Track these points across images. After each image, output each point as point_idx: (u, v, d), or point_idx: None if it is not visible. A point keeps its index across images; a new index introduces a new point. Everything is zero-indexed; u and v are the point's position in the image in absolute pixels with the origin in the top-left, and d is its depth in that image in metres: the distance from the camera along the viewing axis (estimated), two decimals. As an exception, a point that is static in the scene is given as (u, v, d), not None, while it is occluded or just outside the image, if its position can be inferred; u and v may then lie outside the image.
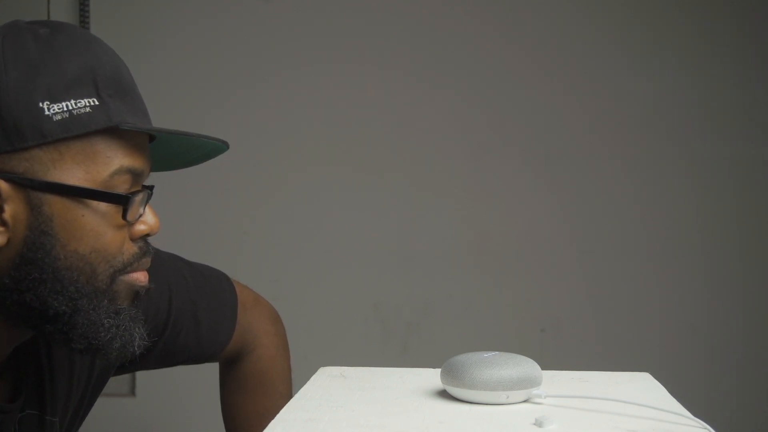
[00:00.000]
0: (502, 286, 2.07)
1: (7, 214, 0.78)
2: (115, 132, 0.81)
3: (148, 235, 0.86)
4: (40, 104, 0.77)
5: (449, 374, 0.87)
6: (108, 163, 0.80)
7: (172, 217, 1.95)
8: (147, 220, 0.85)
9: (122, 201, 0.81)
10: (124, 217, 0.81)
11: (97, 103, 0.79)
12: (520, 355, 0.88)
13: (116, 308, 0.83)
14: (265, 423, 0.79)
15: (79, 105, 0.79)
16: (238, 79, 2.05)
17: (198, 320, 1.10)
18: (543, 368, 0.88)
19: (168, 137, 0.86)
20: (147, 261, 0.86)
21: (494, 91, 2.05)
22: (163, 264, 1.06)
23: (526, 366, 0.86)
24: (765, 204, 2.06)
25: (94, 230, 0.80)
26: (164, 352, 1.08)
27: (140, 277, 0.85)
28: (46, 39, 0.80)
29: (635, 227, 2.06)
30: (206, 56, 2.05)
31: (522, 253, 2.07)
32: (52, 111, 0.78)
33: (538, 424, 0.78)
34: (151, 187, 0.87)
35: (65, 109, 0.78)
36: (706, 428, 0.78)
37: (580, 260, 2.07)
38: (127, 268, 0.83)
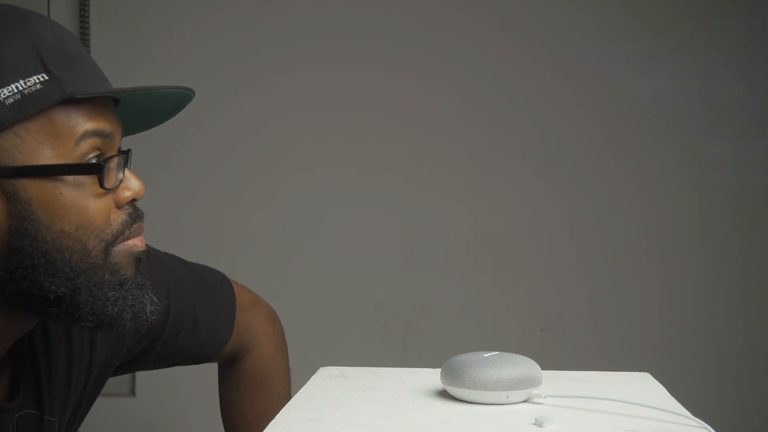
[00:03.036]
0: (502, 286, 2.07)
1: None
2: (71, 102, 0.79)
3: (134, 200, 0.84)
4: None
5: (449, 374, 0.86)
6: (71, 133, 0.78)
7: (173, 217, 1.96)
8: (129, 184, 0.83)
9: (95, 170, 0.79)
10: (101, 185, 0.79)
11: (46, 77, 0.77)
12: (520, 355, 0.88)
13: (120, 279, 0.82)
14: (264, 423, 0.79)
15: (29, 84, 0.76)
16: (238, 79, 2.05)
17: (197, 320, 1.10)
18: (543, 368, 0.88)
19: (132, 96, 0.84)
20: (139, 226, 0.84)
21: (494, 90, 2.05)
22: (161, 264, 1.05)
23: (526, 366, 0.86)
24: (765, 203, 2.06)
25: (76, 206, 0.78)
26: (163, 353, 1.08)
27: (136, 243, 0.83)
28: None
29: (635, 227, 2.06)
30: (206, 56, 2.05)
31: (522, 253, 2.06)
32: (2, 96, 0.75)
33: (538, 424, 0.78)
34: (127, 151, 0.84)
35: (15, 90, 0.76)
36: (706, 428, 0.78)
37: (580, 260, 2.07)
38: (119, 237, 0.82)
